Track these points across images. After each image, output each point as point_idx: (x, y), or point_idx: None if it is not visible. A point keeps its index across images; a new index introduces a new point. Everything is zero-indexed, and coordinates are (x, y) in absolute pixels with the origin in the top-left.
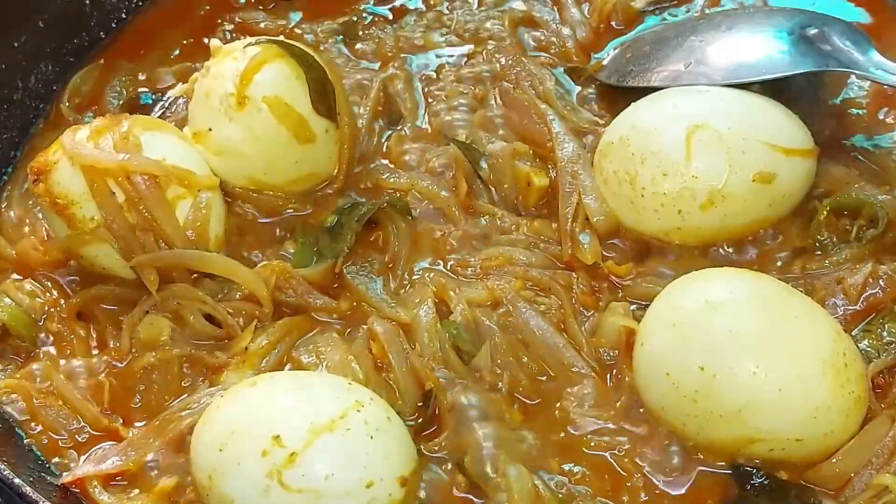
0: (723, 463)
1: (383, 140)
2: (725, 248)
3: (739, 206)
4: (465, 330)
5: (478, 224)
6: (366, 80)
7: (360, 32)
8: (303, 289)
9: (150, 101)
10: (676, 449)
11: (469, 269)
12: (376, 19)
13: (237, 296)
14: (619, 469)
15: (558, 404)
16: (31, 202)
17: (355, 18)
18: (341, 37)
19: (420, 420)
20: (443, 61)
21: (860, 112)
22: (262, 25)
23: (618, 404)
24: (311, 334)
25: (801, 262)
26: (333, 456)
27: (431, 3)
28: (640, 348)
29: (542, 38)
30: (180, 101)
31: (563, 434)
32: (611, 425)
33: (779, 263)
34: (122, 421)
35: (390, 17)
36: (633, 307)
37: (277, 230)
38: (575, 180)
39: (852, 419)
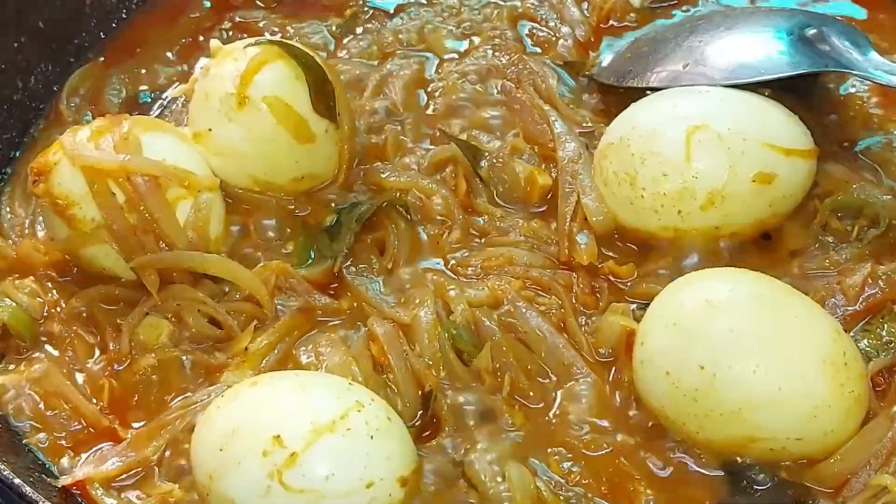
0: (722, 462)
1: (383, 138)
2: (725, 248)
3: (739, 207)
4: (465, 330)
5: (477, 223)
6: (365, 77)
7: (360, 28)
8: (303, 289)
9: (149, 101)
10: (676, 448)
11: (469, 269)
12: (376, 13)
13: (237, 296)
14: (618, 469)
15: (558, 404)
16: (31, 203)
17: (349, 19)
18: (341, 32)
19: (420, 420)
20: (443, 57)
21: (860, 111)
22: (261, 25)
23: (618, 404)
24: (311, 334)
25: (800, 262)
26: (334, 456)
27: None
28: (640, 347)
29: (542, 35)
30: (179, 100)
31: (563, 435)
32: (610, 425)
33: (779, 263)
34: (121, 422)
35: (391, 11)
36: (633, 307)
37: (277, 230)
38: (574, 180)
39: (852, 419)
